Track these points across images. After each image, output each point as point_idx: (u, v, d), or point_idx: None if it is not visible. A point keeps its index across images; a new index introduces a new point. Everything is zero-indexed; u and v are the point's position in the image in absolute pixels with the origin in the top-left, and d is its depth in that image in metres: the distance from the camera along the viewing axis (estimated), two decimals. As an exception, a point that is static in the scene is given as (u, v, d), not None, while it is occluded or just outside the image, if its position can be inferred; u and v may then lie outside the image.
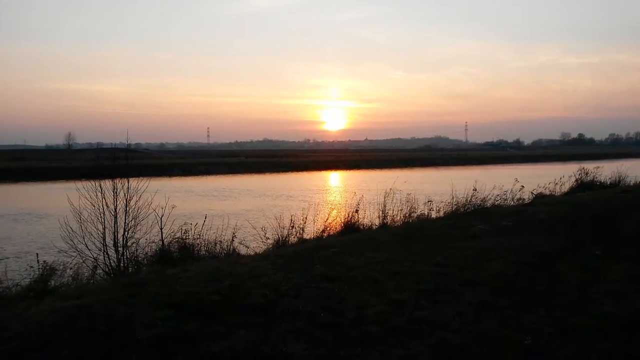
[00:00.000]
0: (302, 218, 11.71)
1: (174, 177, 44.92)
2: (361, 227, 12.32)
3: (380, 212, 12.90)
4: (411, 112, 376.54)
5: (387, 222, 12.63)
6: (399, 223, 12.68)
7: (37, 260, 8.62)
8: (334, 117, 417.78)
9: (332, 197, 30.09)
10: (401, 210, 13.11)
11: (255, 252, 10.23)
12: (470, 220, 11.09)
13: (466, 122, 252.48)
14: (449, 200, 13.96)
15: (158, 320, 4.60)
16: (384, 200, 13.05)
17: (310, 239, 11.29)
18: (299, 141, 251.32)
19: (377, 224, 12.63)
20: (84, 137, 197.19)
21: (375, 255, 7.31)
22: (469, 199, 13.83)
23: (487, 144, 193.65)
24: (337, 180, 50.76)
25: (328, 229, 11.98)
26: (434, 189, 23.69)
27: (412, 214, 13.15)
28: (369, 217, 12.88)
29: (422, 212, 13.43)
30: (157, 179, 10.20)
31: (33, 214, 22.79)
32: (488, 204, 13.97)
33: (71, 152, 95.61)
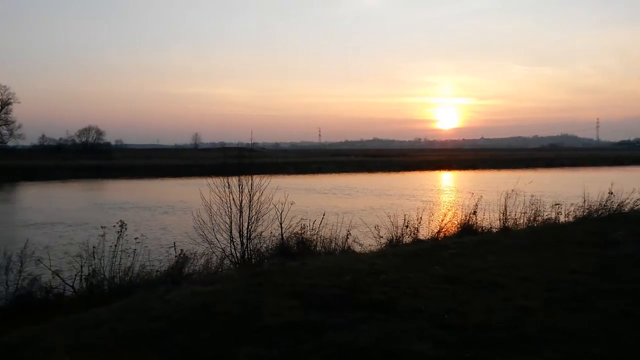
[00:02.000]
0: (416, 218, 11.56)
1: (288, 175, 46.73)
2: (479, 229, 11.85)
3: (501, 215, 12.29)
4: (532, 109, 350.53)
5: (508, 226, 11.99)
6: (521, 227, 11.98)
7: (175, 249, 9.53)
8: (446, 115, 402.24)
9: (447, 198, 29.23)
10: (524, 213, 12.37)
11: (369, 250, 10.31)
12: (605, 225, 10.11)
13: (597, 119, 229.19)
14: (579, 204, 12.87)
15: (284, 309, 4.85)
16: (505, 202, 12.39)
17: (425, 239, 11.11)
18: (409, 140, 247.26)
19: (497, 226, 12.05)
20: (208, 137, 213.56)
21: (499, 259, 6.98)
22: (603, 202, 12.64)
23: (622, 142, 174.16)
24: (451, 181, 49.16)
25: (444, 230, 11.69)
26: (561, 192, 21.91)
27: (537, 218, 12.34)
28: (488, 219, 12.33)
29: (549, 216, 12.54)
30: (273, 177, 10.73)
31: (167, 206, 25.24)
32: (626, 209, 12.65)
33: (197, 151, 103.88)
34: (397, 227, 11.07)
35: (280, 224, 10.59)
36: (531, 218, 12.23)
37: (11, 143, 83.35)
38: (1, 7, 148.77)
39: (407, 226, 11.15)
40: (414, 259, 7.22)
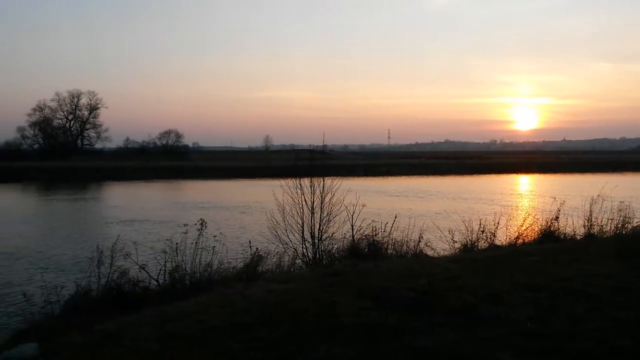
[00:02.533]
0: (493, 223, 11.16)
1: (357, 178, 46.73)
2: (562, 236, 11.24)
3: (585, 221, 11.59)
4: (619, 108, 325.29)
5: (593, 233, 11.28)
6: (608, 234, 11.22)
7: (250, 247, 9.86)
8: (524, 115, 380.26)
9: (526, 202, 27.97)
10: (611, 219, 11.58)
11: (443, 255, 10.09)
12: None
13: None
14: (678, 211, 11.86)
15: (359, 309, 4.89)
16: (590, 208, 11.66)
17: (502, 245, 10.71)
18: (484, 142, 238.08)
19: (581, 233, 11.38)
20: (279, 139, 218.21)
21: (585, 267, 6.60)
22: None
23: None
24: (529, 185, 46.91)
25: (522, 235, 11.21)
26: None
27: (626, 225, 11.50)
28: (571, 225, 11.68)
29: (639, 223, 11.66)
30: (342, 179, 10.84)
31: (243, 206, 26.16)
32: None
33: (269, 153, 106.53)
34: (472, 232, 10.75)
35: (352, 225, 10.63)
36: (619, 225, 11.43)
37: (99, 145, 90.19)
38: (90, 19, 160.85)
39: (483, 231, 10.80)
40: (493, 265, 6.99)
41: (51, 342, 5.33)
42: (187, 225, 9.24)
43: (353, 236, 10.66)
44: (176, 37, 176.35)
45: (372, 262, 7.82)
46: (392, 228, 10.57)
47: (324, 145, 15.74)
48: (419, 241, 10.56)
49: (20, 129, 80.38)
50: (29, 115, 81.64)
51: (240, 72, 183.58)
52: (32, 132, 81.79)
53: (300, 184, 10.34)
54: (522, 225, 11.57)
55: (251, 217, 21.70)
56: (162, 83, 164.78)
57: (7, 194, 37.51)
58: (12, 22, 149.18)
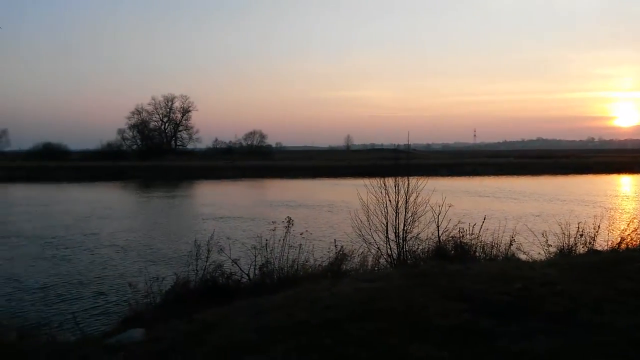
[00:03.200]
0: (592, 226, 10.45)
1: (441, 177, 45.55)
2: (673, 241, 10.24)
3: (701, 225, 10.48)
4: None
5: None
6: None
7: (335, 245, 10.02)
8: (626, 111, 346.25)
9: (629, 205, 25.79)
10: None
11: (536, 259, 9.61)
12: None
13: None
14: None
15: (451, 311, 4.81)
16: None
17: (603, 250, 9.99)
18: (580, 140, 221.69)
19: (697, 239, 10.30)
20: (360, 139, 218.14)
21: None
22: None
23: None
24: (633, 186, 43.11)
25: (626, 240, 10.36)
26: None
27: None
28: (684, 230, 10.60)
29: None
30: (426, 179, 10.68)
31: (328, 205, 26.58)
32: None
33: (350, 152, 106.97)
34: (569, 236, 10.14)
35: (437, 226, 10.45)
36: None
37: (190, 146, 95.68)
38: (181, 25, 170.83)
39: (581, 235, 10.15)
40: (594, 271, 6.55)
41: (155, 328, 5.76)
42: (275, 222, 9.61)
43: (439, 237, 10.46)
44: (259, 40, 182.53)
45: (462, 264, 7.63)
46: (481, 230, 10.25)
47: (406, 145, 15.56)
48: (510, 244, 10.16)
49: (121, 131, 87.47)
50: (128, 118, 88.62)
51: (321, 73, 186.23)
52: (131, 134, 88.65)
53: (384, 184, 10.33)
54: (625, 229, 10.72)
55: (335, 216, 21.99)
56: (247, 85, 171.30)
57: (110, 192, 40.98)
58: (112, 32, 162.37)
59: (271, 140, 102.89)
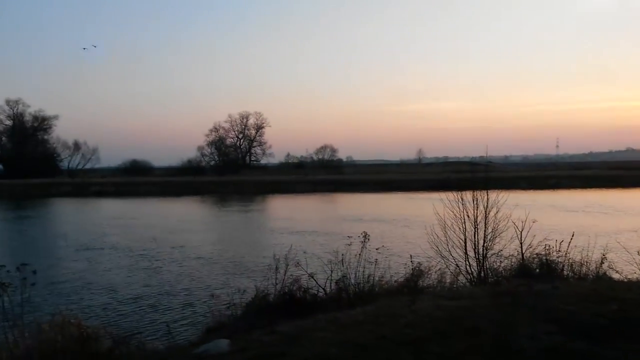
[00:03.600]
0: (699, 244, 9.52)
1: (522, 191, 43.48)
2: None
3: None
4: None
5: None
6: None
7: (411, 261, 9.87)
8: None
9: None
10: None
11: (632, 279, 8.90)
12: None
13: None
14: None
15: (542, 333, 4.59)
16: None
17: None
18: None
19: None
20: (432, 152, 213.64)
21: None
22: None
23: None
24: None
25: None
26: None
27: None
28: None
29: None
30: (505, 192, 10.24)
31: (402, 220, 26.29)
32: None
33: (421, 165, 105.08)
34: (670, 255, 9.30)
35: (520, 242, 10.02)
36: None
37: (263, 161, 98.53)
38: (253, 43, 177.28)
39: (685, 254, 9.28)
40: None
41: (240, 339, 5.96)
42: (350, 237, 9.63)
43: (522, 254, 10.01)
44: (328, 54, 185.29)
45: (549, 283, 7.25)
46: (569, 247, 9.67)
47: (486, 157, 15.07)
48: (602, 262, 9.51)
49: (200, 148, 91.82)
50: (207, 135, 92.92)
51: (391, 85, 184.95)
52: (209, 150, 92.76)
53: (461, 198, 10.06)
54: None
55: (411, 231, 21.68)
56: (318, 100, 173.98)
57: (191, 206, 43.05)
58: (187, 54, 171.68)
59: (342, 155, 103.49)
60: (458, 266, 9.80)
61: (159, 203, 45.05)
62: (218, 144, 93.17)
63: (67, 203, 47.12)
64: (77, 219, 32.25)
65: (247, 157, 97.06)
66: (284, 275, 8.96)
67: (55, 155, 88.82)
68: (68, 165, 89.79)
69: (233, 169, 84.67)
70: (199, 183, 62.18)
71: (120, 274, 14.50)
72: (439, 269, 9.72)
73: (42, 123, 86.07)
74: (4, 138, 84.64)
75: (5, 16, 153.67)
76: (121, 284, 13.10)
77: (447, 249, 9.78)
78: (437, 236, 9.81)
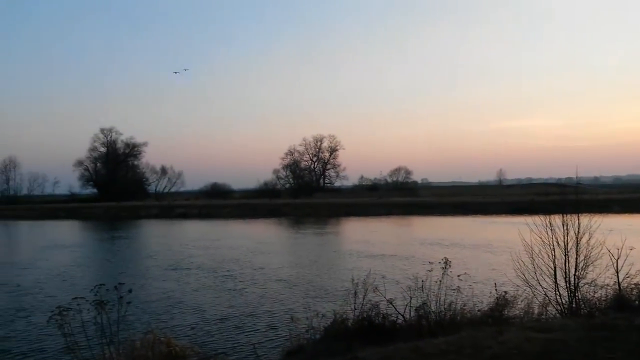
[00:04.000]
0: None
1: (614, 214, 40.33)
2: None
3: None
4: None
5: None
6: None
7: (496, 289, 9.47)
8: None
9: None
10: None
11: None
12: None
13: None
14: None
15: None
16: None
17: None
18: None
19: None
20: (513, 173, 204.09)
21: None
22: None
23: None
24: None
25: None
26: None
27: None
28: None
29: None
30: (597, 216, 9.53)
31: (484, 245, 25.29)
32: None
33: (502, 187, 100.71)
34: None
35: (616, 271, 9.38)
36: None
37: (337, 183, 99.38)
38: (328, 67, 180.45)
39: None
40: None
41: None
42: (431, 263, 9.43)
43: (619, 284, 9.34)
44: (403, 74, 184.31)
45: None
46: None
47: (575, 178, 14.23)
48: None
49: (276, 171, 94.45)
50: (282, 159, 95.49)
51: (470, 105, 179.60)
52: (284, 173, 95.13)
53: (549, 223, 9.55)
54: None
55: (495, 257, 20.83)
56: (392, 121, 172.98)
57: (268, 228, 44.17)
58: (267, 78, 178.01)
59: (417, 177, 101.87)
60: (547, 296, 9.31)
61: (238, 225, 46.67)
62: (293, 167, 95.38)
63: (155, 225, 50.12)
64: (164, 240, 34.16)
65: (321, 180, 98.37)
66: (363, 300, 8.94)
67: (144, 179, 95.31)
68: (155, 189, 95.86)
69: (307, 192, 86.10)
70: (275, 205, 63.75)
71: (207, 294, 15.11)
72: (526, 299, 9.32)
73: (133, 149, 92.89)
74: (98, 164, 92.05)
75: (97, 47, 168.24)
76: (208, 304, 13.64)
77: (535, 278, 9.31)
78: (524, 263, 9.38)
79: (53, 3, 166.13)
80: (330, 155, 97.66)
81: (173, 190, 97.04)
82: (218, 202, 71.93)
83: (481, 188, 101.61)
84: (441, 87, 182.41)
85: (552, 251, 9.43)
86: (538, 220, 9.56)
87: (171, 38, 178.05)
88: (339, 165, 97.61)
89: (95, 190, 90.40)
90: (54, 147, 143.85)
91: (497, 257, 20.57)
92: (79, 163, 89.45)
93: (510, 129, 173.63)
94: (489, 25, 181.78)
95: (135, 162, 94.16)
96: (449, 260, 9.33)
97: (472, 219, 46.28)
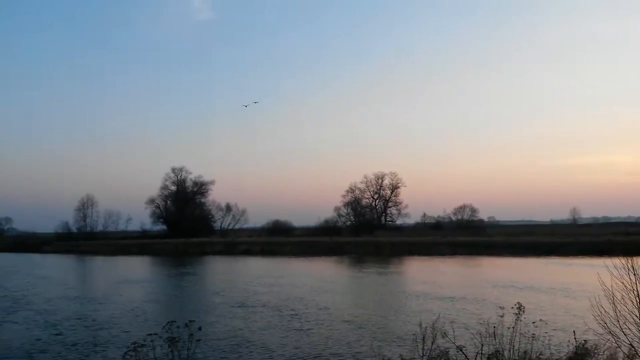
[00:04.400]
0: None
1: None
2: None
3: None
4: None
5: None
6: None
7: (575, 338, 8.93)
8: None
9: None
10: None
11: None
12: None
13: None
14: None
15: None
16: None
17: None
18: None
19: None
20: (588, 211, 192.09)
21: None
22: None
23: None
24: None
25: None
26: None
27: None
28: None
29: None
30: None
31: (561, 289, 23.95)
32: None
33: (577, 226, 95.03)
34: None
35: None
36: None
37: (399, 221, 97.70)
38: (389, 105, 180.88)
39: None
40: None
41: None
42: (502, 308, 9.09)
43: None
44: (468, 107, 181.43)
45: None
46: None
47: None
48: None
49: (337, 209, 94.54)
50: (343, 196, 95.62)
51: (539, 139, 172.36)
52: (345, 211, 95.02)
53: (632, 266, 8.97)
54: None
55: (572, 302, 19.73)
56: (455, 158, 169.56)
57: (330, 266, 44.09)
58: (323, 117, 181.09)
59: (483, 215, 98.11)
60: (633, 347, 8.66)
61: (300, 262, 46.97)
62: (354, 204, 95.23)
63: (219, 261, 51.48)
64: (229, 276, 34.97)
65: (383, 218, 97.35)
66: (431, 345, 8.72)
67: (210, 216, 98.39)
68: (220, 226, 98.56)
69: (369, 230, 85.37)
70: (336, 243, 63.65)
71: (274, 334, 15.24)
72: (609, 349, 8.77)
73: (201, 188, 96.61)
74: (169, 202, 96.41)
75: (164, 88, 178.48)
76: (275, 344, 13.75)
77: (618, 326, 8.72)
78: (605, 310, 8.81)
79: (124, 43, 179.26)
80: (391, 193, 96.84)
81: (237, 227, 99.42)
82: (280, 239, 72.88)
83: (553, 227, 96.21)
84: (509, 121, 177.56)
85: (637, 297, 8.82)
86: (618, 262, 9.02)
87: (235, 75, 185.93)
88: (400, 203, 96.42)
89: (165, 227, 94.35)
90: (128, 185, 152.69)
91: (576, 302, 19.38)
92: (151, 201, 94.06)
93: (585, 164, 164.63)
94: (562, 58, 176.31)
95: (203, 200, 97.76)
96: (522, 305, 8.95)
97: (544, 261, 43.91)
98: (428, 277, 31.95)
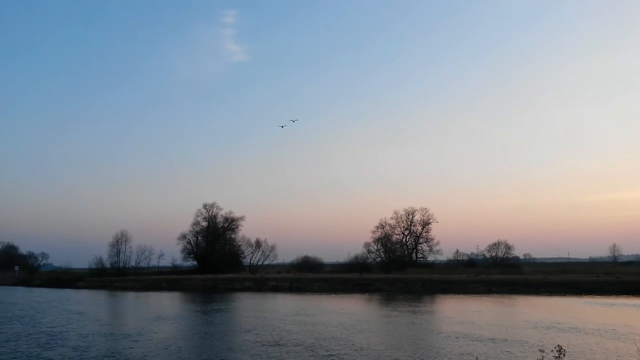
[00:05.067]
0: None
1: None
2: None
3: None
4: None
5: None
6: None
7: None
8: None
9: None
10: None
11: None
12: None
13: None
14: None
15: None
16: None
17: None
18: None
19: None
20: (629, 248, 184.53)
21: None
22: None
23: None
24: None
25: None
26: None
27: None
28: None
29: None
30: None
31: (602, 330, 22.89)
32: None
33: (617, 264, 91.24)
34: None
35: None
36: None
37: (431, 258, 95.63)
38: (419, 140, 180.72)
39: None
40: None
41: None
42: (543, 351, 8.76)
43: None
44: (502, 143, 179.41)
45: None
46: None
47: None
48: None
49: (366, 245, 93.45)
50: (373, 232, 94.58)
51: (577, 174, 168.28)
52: (375, 247, 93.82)
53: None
54: None
55: (620, 345, 18.71)
56: (489, 194, 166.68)
57: (360, 304, 43.28)
58: (353, 152, 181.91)
59: (518, 252, 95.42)
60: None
61: (330, 300, 46.28)
62: (384, 240, 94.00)
63: (248, 297, 51.21)
64: (260, 313, 34.63)
65: (414, 254, 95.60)
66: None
67: (239, 252, 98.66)
68: (250, 261, 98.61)
69: (399, 266, 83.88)
70: (366, 280, 62.68)
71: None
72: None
73: (231, 223, 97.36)
74: (200, 237, 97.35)
75: (202, 125, 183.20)
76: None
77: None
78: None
79: (159, 83, 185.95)
80: (422, 229, 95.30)
81: (266, 262, 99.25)
82: (309, 275, 72.20)
83: (593, 265, 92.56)
84: (545, 156, 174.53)
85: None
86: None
87: (265, 111, 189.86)
88: (432, 239, 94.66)
89: (195, 263, 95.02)
90: (161, 221, 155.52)
91: (625, 345, 18.39)
92: (183, 236, 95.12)
93: (625, 200, 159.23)
94: (600, 93, 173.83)
95: (233, 236, 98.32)
96: (563, 348, 8.63)
97: (584, 300, 42.08)
98: (464, 316, 30.90)
